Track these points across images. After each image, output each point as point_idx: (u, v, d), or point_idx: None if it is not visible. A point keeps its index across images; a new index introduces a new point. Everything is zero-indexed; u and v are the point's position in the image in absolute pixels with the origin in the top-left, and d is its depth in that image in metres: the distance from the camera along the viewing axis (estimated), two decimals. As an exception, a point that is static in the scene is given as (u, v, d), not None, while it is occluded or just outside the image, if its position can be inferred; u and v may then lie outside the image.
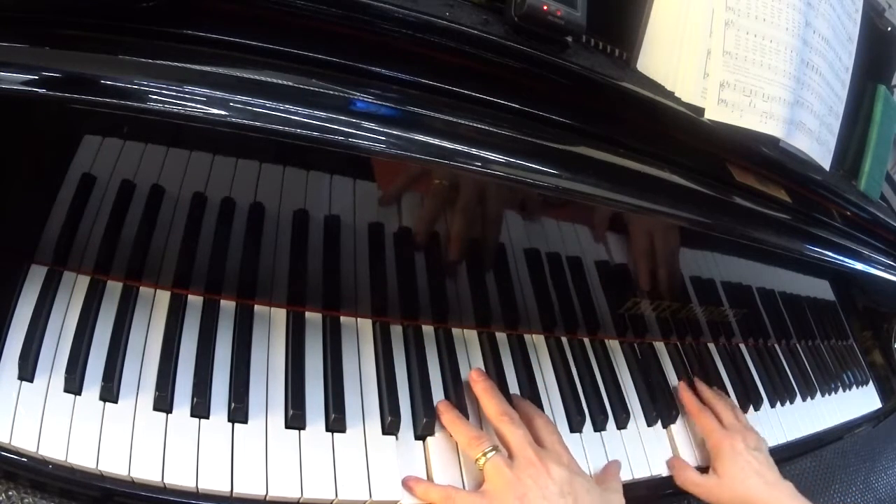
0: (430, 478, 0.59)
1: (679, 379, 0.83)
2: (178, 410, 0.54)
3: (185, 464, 0.51)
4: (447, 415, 0.62)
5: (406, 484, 0.58)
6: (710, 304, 0.84)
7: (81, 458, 0.49)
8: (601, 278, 0.72)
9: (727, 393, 0.87)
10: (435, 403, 0.63)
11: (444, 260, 0.64)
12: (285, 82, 0.45)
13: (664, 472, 0.73)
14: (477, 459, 0.58)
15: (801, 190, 0.75)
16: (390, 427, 0.60)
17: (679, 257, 0.73)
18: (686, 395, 0.81)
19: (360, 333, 0.66)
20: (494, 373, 0.69)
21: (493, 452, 0.58)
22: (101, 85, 0.42)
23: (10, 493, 0.50)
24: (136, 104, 0.42)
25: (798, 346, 1.06)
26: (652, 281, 0.74)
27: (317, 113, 0.45)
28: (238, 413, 0.55)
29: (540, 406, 0.69)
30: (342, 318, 0.66)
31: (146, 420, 0.52)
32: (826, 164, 0.73)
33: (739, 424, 0.78)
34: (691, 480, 0.73)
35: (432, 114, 0.50)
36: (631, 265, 0.71)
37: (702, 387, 0.83)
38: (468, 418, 0.63)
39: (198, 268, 0.59)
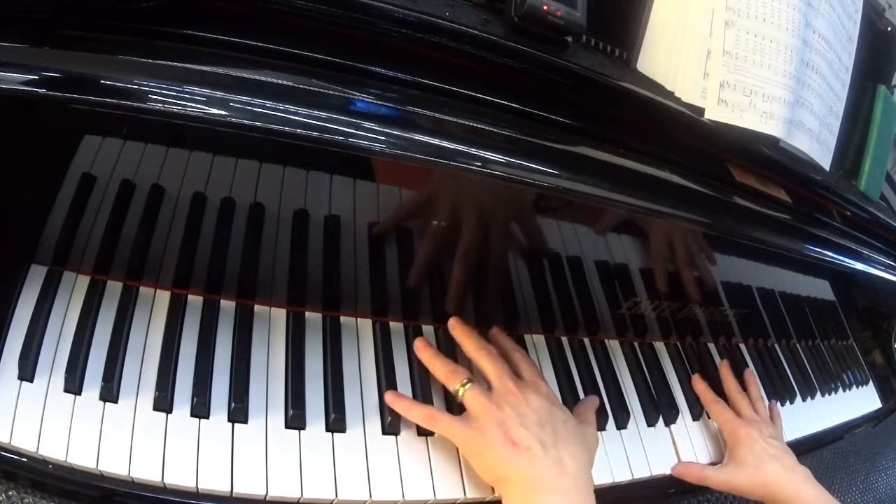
0: (430, 478, 0.59)
1: (679, 379, 0.83)
2: (178, 410, 0.54)
3: (185, 464, 0.51)
4: (425, 352, 0.64)
5: (387, 398, 0.60)
6: (710, 304, 0.84)
7: (81, 458, 0.49)
8: (601, 278, 0.72)
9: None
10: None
11: (443, 260, 0.63)
12: (285, 82, 0.45)
13: (665, 472, 0.73)
14: (456, 391, 0.60)
15: (801, 190, 0.75)
16: (390, 427, 0.60)
17: (679, 257, 0.73)
18: (700, 386, 0.82)
19: (360, 333, 0.66)
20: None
21: (471, 384, 0.59)
22: (101, 85, 0.42)
23: (10, 493, 0.50)
24: (136, 104, 0.42)
25: (798, 346, 1.06)
26: (652, 281, 0.74)
27: (317, 113, 0.45)
28: (238, 413, 0.55)
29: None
30: (342, 318, 0.66)
31: (146, 420, 0.52)
32: (826, 164, 0.73)
33: (757, 416, 0.79)
34: (705, 476, 0.73)
35: (432, 114, 0.50)
36: (631, 265, 0.71)
37: (727, 378, 0.84)
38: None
39: (198, 268, 0.59)
